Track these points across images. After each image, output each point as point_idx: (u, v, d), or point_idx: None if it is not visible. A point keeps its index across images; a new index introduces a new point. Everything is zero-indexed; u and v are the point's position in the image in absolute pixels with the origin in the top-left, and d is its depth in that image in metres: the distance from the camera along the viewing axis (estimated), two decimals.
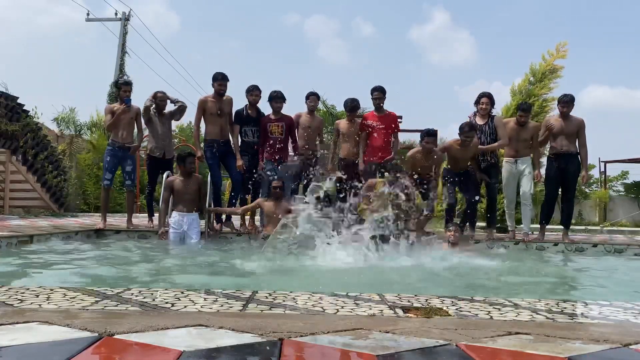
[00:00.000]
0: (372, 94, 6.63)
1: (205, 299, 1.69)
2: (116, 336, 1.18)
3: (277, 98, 6.36)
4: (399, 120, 7.53)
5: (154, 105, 6.51)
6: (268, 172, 6.27)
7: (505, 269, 4.10)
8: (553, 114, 7.31)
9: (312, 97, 6.66)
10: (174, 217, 5.80)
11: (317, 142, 6.85)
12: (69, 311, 1.44)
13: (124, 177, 6.72)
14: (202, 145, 6.53)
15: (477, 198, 6.19)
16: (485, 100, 6.31)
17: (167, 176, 6.18)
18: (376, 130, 6.50)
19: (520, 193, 6.24)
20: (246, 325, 1.30)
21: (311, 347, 1.18)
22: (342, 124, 6.70)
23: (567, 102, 6.09)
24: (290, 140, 6.42)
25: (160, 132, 6.60)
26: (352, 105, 6.57)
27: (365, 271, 3.58)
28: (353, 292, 1.99)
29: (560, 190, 6.28)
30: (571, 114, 6.13)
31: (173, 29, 59.70)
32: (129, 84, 6.64)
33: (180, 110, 6.74)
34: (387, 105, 6.62)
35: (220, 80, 6.31)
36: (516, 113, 6.76)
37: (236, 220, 6.65)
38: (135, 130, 6.70)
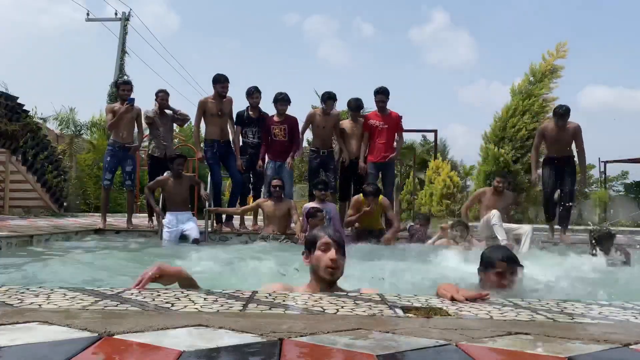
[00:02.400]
0: (375, 96, 6.60)
1: (205, 299, 1.69)
2: (116, 336, 1.18)
3: (282, 100, 6.36)
4: None
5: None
6: (269, 172, 6.28)
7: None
8: (549, 117, 7.26)
9: (329, 102, 6.55)
10: (168, 217, 5.80)
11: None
12: (69, 311, 1.44)
13: (123, 177, 6.72)
14: (202, 145, 6.54)
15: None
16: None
17: None
18: (380, 130, 6.49)
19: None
20: (246, 325, 1.30)
21: (311, 347, 1.18)
22: (346, 124, 6.69)
23: (562, 114, 5.94)
24: (293, 141, 6.42)
25: (162, 132, 6.61)
26: (355, 105, 6.55)
27: None
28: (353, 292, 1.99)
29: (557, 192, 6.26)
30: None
31: (173, 29, 59.72)
32: (128, 83, 6.65)
33: (182, 119, 6.81)
34: (388, 105, 6.61)
35: (223, 82, 6.32)
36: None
37: (236, 221, 6.65)
38: (135, 130, 6.71)
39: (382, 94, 6.53)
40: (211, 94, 6.37)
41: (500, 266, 2.54)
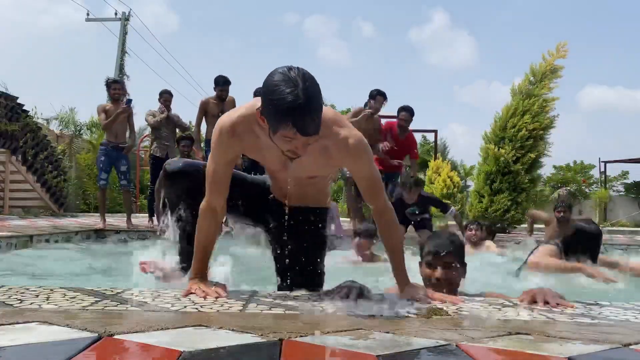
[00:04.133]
0: (398, 113, 6.16)
1: (205, 299, 1.69)
2: (116, 336, 1.18)
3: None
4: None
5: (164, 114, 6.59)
6: None
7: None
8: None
9: (379, 98, 6.06)
10: None
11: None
12: (69, 311, 1.44)
13: (119, 177, 6.69)
14: (202, 145, 6.56)
15: None
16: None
17: None
18: (393, 150, 6.09)
19: None
20: (246, 325, 1.30)
21: (311, 347, 1.18)
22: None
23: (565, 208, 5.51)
24: None
25: (164, 133, 6.63)
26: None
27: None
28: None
29: None
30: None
31: (172, 29, 59.71)
32: (119, 82, 6.65)
33: (183, 128, 6.84)
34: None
35: (221, 85, 6.32)
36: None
37: None
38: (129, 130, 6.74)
39: (406, 112, 6.06)
40: (213, 94, 6.37)
41: (428, 258, 2.13)
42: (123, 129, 6.45)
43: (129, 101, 6.28)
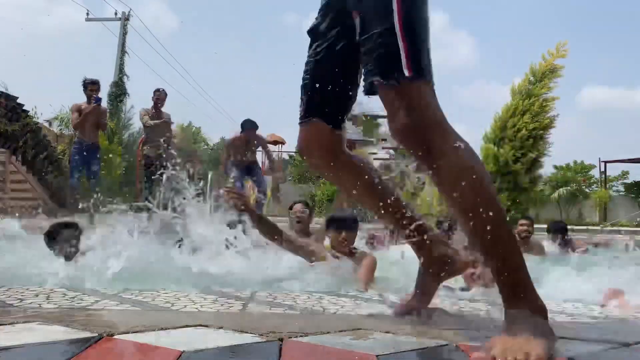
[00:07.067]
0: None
1: (205, 299, 1.69)
2: (116, 336, 1.18)
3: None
4: None
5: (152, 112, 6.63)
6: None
7: None
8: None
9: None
10: None
11: None
12: (69, 311, 1.44)
13: (87, 175, 6.72)
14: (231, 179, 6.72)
15: None
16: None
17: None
18: None
19: None
20: (246, 325, 1.30)
21: (311, 347, 1.18)
22: None
23: None
24: None
25: (156, 132, 6.69)
26: None
27: None
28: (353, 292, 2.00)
29: None
30: None
31: (172, 29, 59.71)
32: (95, 83, 6.68)
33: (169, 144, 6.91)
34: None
35: (247, 129, 6.53)
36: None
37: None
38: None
39: None
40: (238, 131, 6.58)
41: None
42: (96, 129, 6.54)
43: (98, 99, 6.35)
